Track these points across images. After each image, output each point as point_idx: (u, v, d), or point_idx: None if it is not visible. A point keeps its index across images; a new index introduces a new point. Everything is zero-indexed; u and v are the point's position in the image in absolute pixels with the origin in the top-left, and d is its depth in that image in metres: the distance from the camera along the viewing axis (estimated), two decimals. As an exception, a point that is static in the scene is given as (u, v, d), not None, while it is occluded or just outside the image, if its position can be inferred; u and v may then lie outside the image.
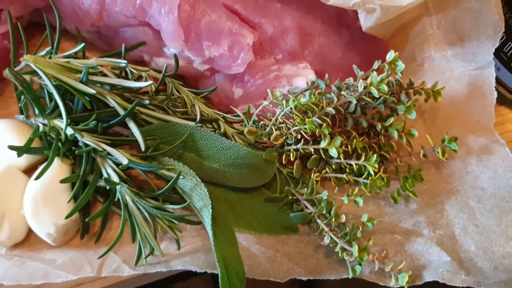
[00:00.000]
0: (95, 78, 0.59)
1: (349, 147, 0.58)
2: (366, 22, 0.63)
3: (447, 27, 0.68)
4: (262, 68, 0.65)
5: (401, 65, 0.57)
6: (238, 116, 0.63)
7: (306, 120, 0.55)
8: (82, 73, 0.57)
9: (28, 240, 0.56)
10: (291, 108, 0.57)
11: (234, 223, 0.56)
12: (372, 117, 0.60)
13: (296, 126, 0.57)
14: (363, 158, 0.56)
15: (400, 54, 0.69)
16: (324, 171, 0.60)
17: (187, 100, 0.64)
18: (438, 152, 0.57)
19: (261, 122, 0.60)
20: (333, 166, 0.59)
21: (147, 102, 0.60)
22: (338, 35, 0.68)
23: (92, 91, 0.56)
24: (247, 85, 0.65)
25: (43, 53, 0.61)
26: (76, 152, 0.55)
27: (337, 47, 0.67)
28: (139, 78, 0.64)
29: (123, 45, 0.63)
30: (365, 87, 0.56)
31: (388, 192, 0.59)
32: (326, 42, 0.67)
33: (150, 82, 0.58)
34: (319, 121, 0.56)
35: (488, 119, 0.62)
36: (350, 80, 0.60)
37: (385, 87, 0.55)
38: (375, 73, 0.56)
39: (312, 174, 0.59)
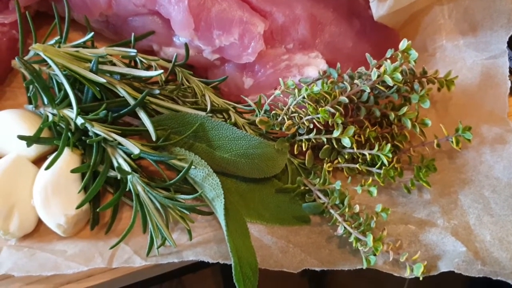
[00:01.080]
0: (105, 67, 0.58)
1: (361, 136, 0.58)
2: (378, 10, 0.63)
3: (459, 16, 0.67)
4: (273, 58, 0.64)
5: (414, 53, 0.57)
6: (249, 106, 0.63)
7: (319, 109, 0.55)
8: (92, 62, 0.56)
9: (38, 231, 0.56)
10: (304, 97, 0.56)
11: (245, 214, 0.56)
12: (385, 106, 0.59)
13: (309, 115, 0.56)
14: (376, 147, 0.56)
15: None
16: (336, 161, 0.59)
17: (197, 90, 0.63)
18: (452, 141, 0.57)
19: (273, 112, 0.59)
20: (346, 156, 0.58)
21: (157, 91, 0.59)
22: (349, 24, 0.67)
23: (102, 80, 0.55)
24: (257, 75, 0.65)
25: (52, 42, 0.60)
26: (87, 141, 0.54)
27: (348, 36, 0.67)
28: (148, 68, 0.63)
29: (133, 34, 0.63)
30: (378, 76, 0.55)
31: (402, 182, 0.58)
32: (337, 31, 0.66)
33: (161, 71, 0.57)
34: (332, 110, 0.55)
35: (501, 108, 0.62)
36: (362, 69, 0.60)
37: (399, 76, 0.54)
38: (388, 61, 0.55)
39: (325, 164, 0.58)
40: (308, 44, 0.65)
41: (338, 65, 0.62)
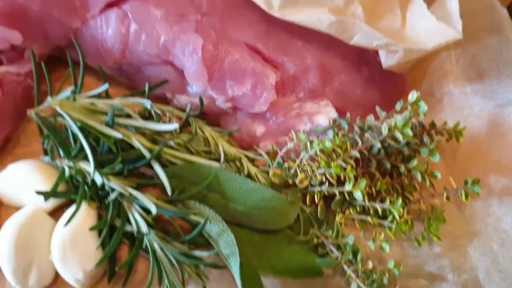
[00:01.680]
0: (120, 120, 0.59)
1: (373, 188, 0.59)
2: (387, 61, 0.64)
3: (466, 63, 0.68)
4: (284, 106, 0.65)
5: (423, 106, 0.58)
6: (261, 155, 0.64)
7: (332, 163, 0.56)
8: (108, 117, 0.57)
9: (55, 283, 0.57)
10: (316, 151, 0.57)
11: (259, 266, 0.57)
12: (395, 158, 0.60)
13: (321, 169, 0.57)
14: (388, 201, 0.57)
15: (418, 89, 0.70)
16: (348, 211, 0.60)
17: (211, 139, 0.64)
18: (461, 194, 0.58)
19: (285, 164, 0.60)
20: (357, 208, 0.60)
21: (172, 143, 0.61)
22: (358, 72, 0.68)
23: (119, 136, 0.56)
24: (269, 123, 0.66)
25: (67, 93, 0.61)
26: (105, 200, 0.55)
27: (357, 84, 0.68)
28: (161, 116, 0.64)
29: (147, 84, 0.63)
30: (389, 129, 0.56)
31: (412, 235, 0.59)
32: (347, 80, 0.67)
33: (176, 125, 0.58)
34: (344, 165, 0.56)
35: (508, 158, 0.63)
36: (371, 119, 0.61)
37: (409, 131, 0.55)
38: (399, 116, 0.56)
39: (337, 216, 0.59)
40: (318, 93, 0.66)
41: (348, 115, 0.63)
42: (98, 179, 0.56)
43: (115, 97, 0.64)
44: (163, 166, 0.59)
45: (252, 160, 0.65)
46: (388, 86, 0.70)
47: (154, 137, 0.62)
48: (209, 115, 0.69)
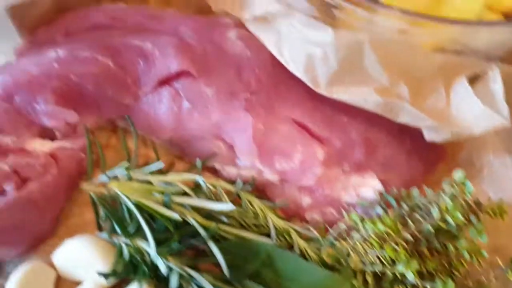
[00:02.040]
0: (177, 199, 0.61)
1: (422, 267, 0.60)
2: (431, 137, 0.66)
3: (504, 135, 0.70)
4: (330, 179, 0.67)
5: (469, 186, 0.60)
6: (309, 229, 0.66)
7: (385, 246, 0.57)
8: (166, 198, 0.59)
9: None
10: (368, 233, 0.59)
11: None
12: (443, 237, 0.62)
13: (374, 250, 0.59)
14: (438, 283, 0.58)
15: (457, 157, 0.72)
16: (397, 289, 0.62)
17: (260, 213, 0.66)
18: (507, 273, 0.60)
19: (337, 243, 0.62)
20: (408, 287, 0.61)
21: (225, 220, 0.62)
22: (401, 144, 0.70)
23: (177, 217, 0.58)
24: (315, 194, 0.68)
25: (121, 171, 0.63)
26: (167, 284, 0.57)
27: (401, 156, 0.70)
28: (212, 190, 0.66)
29: (198, 160, 0.66)
30: (440, 210, 0.58)
31: (461, 315, 0.61)
32: (391, 152, 0.69)
33: (231, 205, 0.60)
34: (396, 247, 0.58)
35: (548, 236, 0.64)
36: (418, 196, 0.62)
37: (459, 215, 0.57)
38: (448, 200, 0.58)
39: (388, 297, 0.61)
40: (363, 166, 0.68)
41: (394, 190, 0.65)
42: (159, 262, 0.57)
43: (164, 165, 0.66)
44: (215, 239, 0.61)
45: (299, 232, 0.67)
46: (430, 156, 0.72)
47: (207, 212, 0.64)
48: (256, 185, 0.71)
